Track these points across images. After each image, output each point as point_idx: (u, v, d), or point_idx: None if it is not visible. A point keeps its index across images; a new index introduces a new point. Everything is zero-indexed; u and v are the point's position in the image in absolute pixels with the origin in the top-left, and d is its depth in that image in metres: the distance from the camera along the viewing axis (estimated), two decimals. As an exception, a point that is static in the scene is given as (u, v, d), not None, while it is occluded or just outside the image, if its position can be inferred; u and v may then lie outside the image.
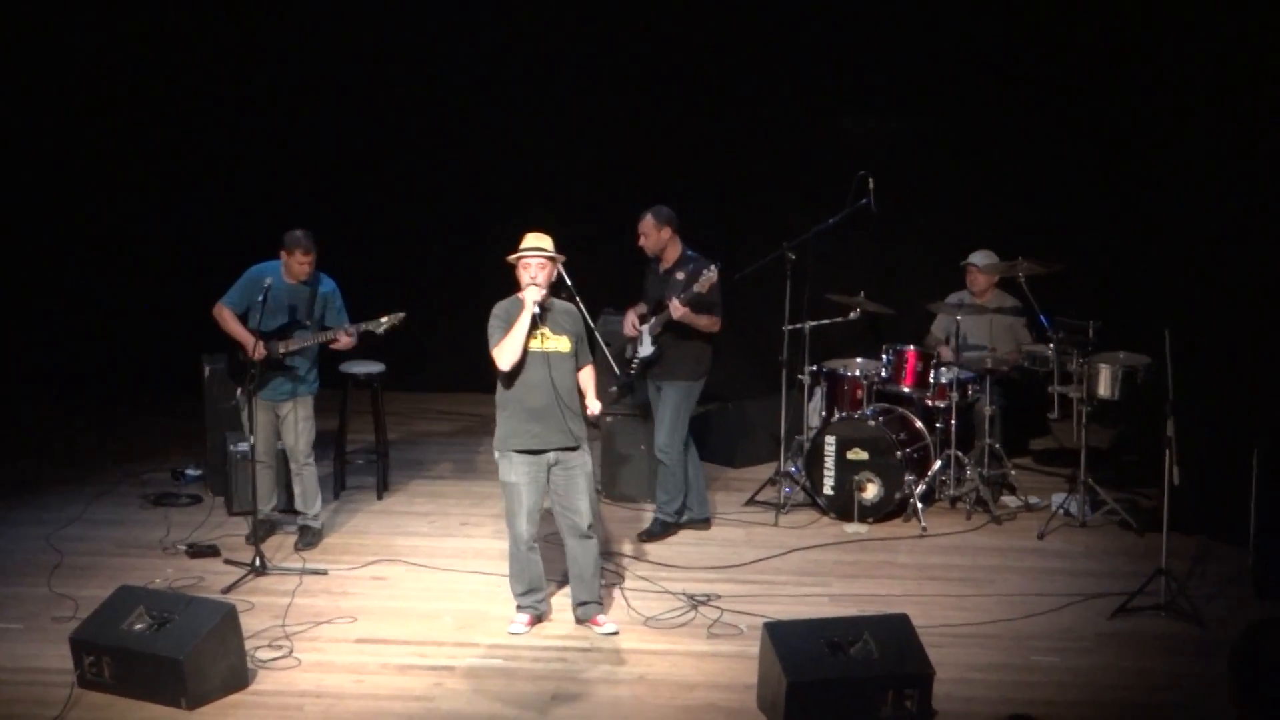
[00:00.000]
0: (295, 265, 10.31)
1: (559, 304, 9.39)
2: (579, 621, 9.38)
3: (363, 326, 10.41)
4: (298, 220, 10.86)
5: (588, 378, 9.40)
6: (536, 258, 9.13)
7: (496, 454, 9.27)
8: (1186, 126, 11.89)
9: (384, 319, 10.40)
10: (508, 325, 9.13)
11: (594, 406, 9.36)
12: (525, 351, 9.10)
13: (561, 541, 9.43)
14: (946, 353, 11.50)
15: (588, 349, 9.46)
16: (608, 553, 10.28)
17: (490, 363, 9.23)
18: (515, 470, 9.18)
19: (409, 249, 13.81)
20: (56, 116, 13.78)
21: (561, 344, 9.17)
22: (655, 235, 10.65)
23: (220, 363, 10.98)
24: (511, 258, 9.21)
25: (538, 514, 9.30)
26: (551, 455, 9.14)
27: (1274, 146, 10.84)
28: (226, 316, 10.43)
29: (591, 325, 9.98)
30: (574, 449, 9.16)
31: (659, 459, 10.74)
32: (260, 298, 10.14)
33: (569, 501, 9.22)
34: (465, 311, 13.68)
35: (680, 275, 10.60)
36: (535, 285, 9.10)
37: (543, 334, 9.14)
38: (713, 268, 10.43)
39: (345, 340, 10.42)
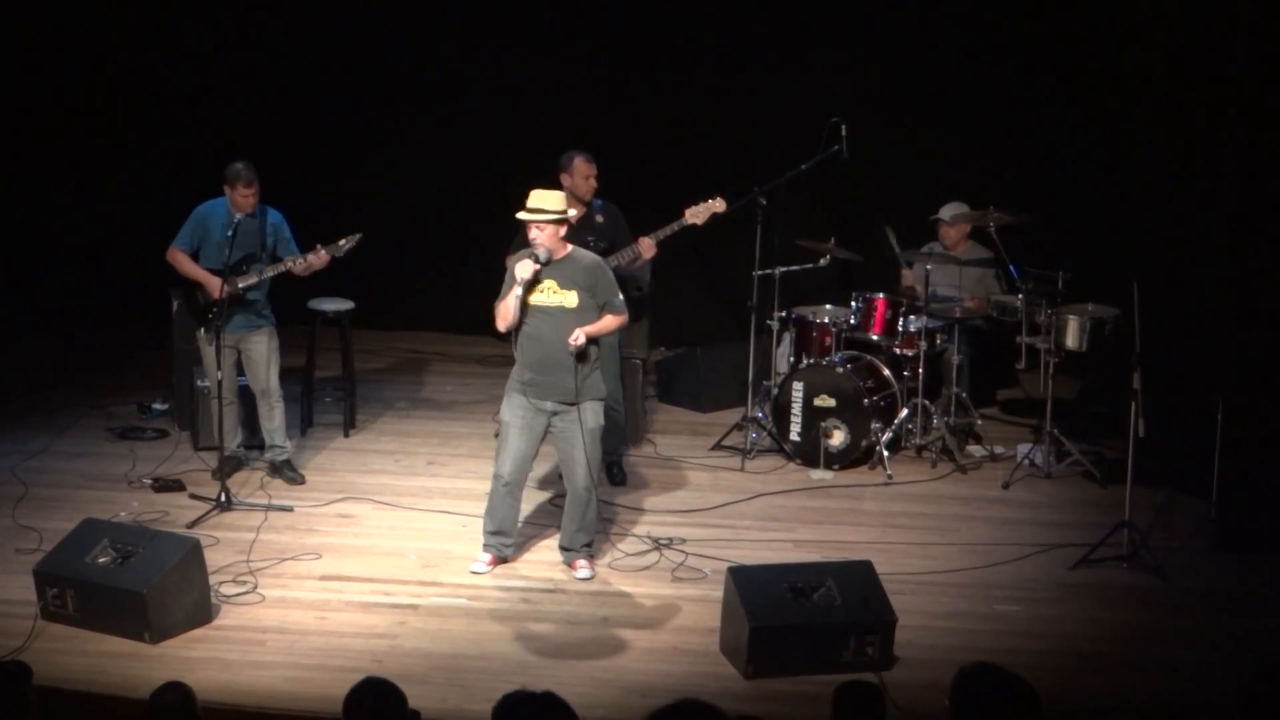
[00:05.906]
0: (239, 198, 10.20)
1: (580, 255, 9.17)
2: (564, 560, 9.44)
3: (322, 250, 10.32)
4: (269, 154, 10.80)
5: (601, 323, 9.08)
6: (537, 220, 8.97)
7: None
8: (1156, 76, 11.86)
9: (342, 241, 10.33)
10: (513, 283, 9.02)
11: (573, 336, 8.91)
12: (526, 305, 9.00)
13: (553, 496, 9.47)
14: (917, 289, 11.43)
15: (614, 301, 9.12)
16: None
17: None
18: (511, 410, 9.18)
19: (382, 189, 13.73)
20: (21, 51, 13.65)
21: (568, 299, 9.01)
22: (594, 178, 10.43)
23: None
24: (520, 215, 9.05)
25: (526, 461, 9.26)
26: (550, 405, 9.10)
27: (1242, 97, 10.81)
28: (181, 259, 10.40)
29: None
30: (572, 404, 9.08)
31: (611, 408, 10.62)
32: (230, 233, 10.10)
33: (565, 453, 9.21)
34: (436, 250, 13.75)
35: (600, 219, 10.42)
36: (531, 258, 8.92)
37: (549, 287, 9.02)
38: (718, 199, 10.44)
39: (303, 266, 10.33)
